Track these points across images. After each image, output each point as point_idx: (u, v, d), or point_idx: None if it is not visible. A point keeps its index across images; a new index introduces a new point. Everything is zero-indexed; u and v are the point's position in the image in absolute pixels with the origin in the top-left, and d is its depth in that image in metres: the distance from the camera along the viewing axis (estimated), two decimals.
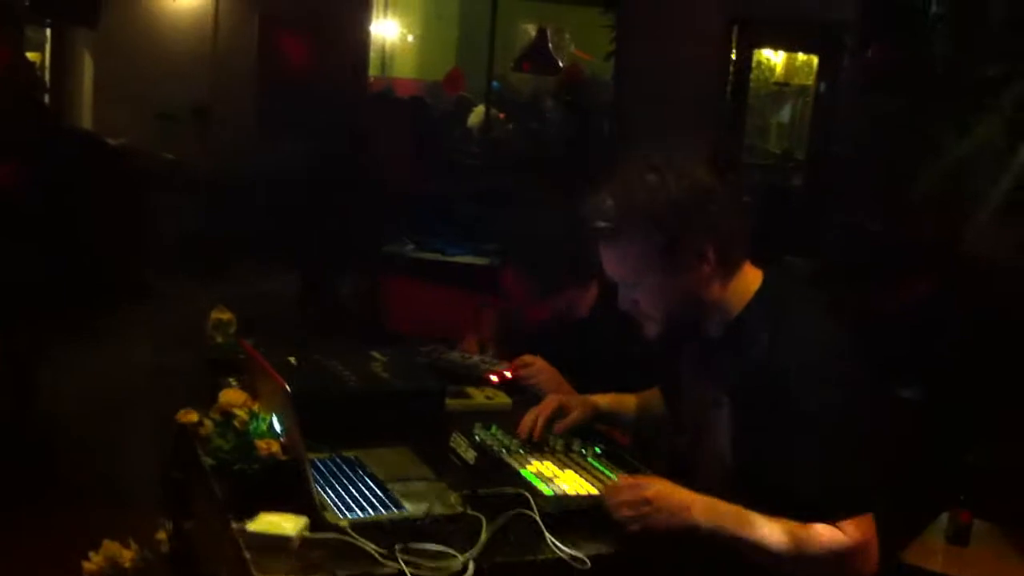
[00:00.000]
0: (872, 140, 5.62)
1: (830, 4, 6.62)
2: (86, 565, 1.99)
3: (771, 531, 1.71)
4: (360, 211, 5.58)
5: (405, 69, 9.28)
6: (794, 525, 1.71)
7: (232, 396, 1.83)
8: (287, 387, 1.69)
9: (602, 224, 1.80)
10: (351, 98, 6.51)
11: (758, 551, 1.71)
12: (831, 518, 1.71)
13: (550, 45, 7.97)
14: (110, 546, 1.96)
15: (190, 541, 2.05)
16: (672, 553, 1.75)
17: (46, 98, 6.49)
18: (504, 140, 7.48)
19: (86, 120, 6.75)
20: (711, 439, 1.87)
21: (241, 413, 1.77)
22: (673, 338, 1.92)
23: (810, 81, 7.79)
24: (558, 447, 2.06)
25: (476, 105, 8.17)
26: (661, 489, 1.75)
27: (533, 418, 2.11)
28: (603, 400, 2.25)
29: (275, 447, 1.73)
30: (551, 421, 2.12)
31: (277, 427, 1.82)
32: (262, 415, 1.82)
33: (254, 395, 1.90)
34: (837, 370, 1.74)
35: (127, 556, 1.91)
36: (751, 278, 1.85)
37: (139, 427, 2.53)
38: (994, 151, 3.28)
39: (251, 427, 1.78)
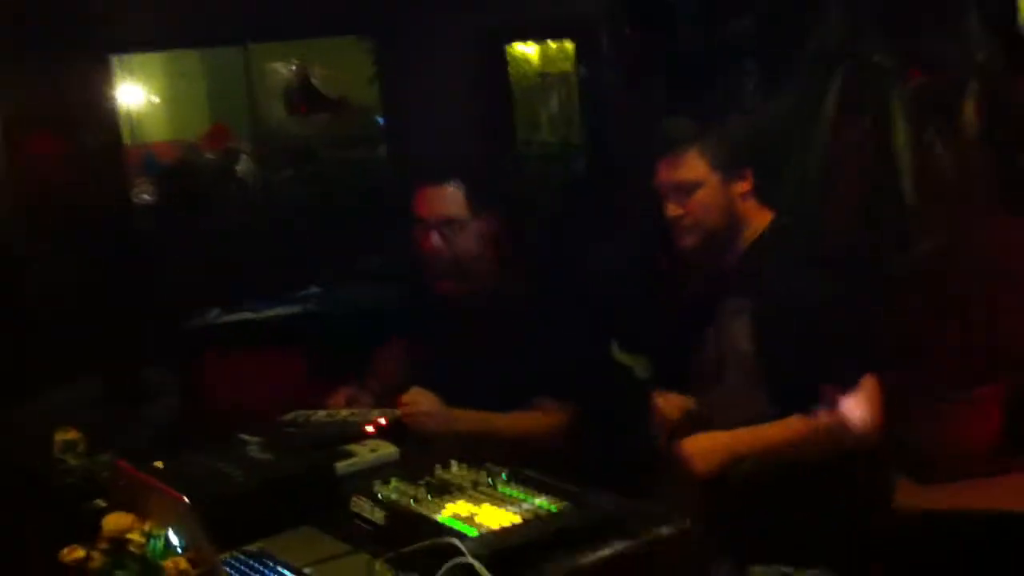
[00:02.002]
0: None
1: None
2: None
3: (791, 427, 2.21)
4: (146, 291, 5.29)
5: (158, 132, 8.87)
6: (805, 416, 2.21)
7: (119, 520, 1.67)
8: (184, 498, 1.56)
9: (681, 134, 2.34)
10: (112, 178, 6.14)
11: (788, 448, 2.20)
12: (844, 380, 2.20)
13: (314, 81, 7.81)
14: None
15: None
16: None
17: None
18: (281, 186, 7.28)
19: None
20: (732, 342, 2.32)
21: (136, 537, 1.61)
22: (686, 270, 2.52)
23: (569, 68, 7.96)
24: (465, 484, 2.00)
25: (243, 155, 7.91)
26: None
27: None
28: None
29: (183, 564, 1.59)
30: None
31: (175, 542, 1.68)
32: (155, 533, 1.67)
33: (138, 514, 1.74)
34: (831, 277, 2.27)
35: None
36: (764, 214, 2.39)
37: None
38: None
39: (149, 549, 1.63)
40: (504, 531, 1.79)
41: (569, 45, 8.06)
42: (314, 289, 5.54)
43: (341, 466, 2.15)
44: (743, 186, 2.35)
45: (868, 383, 2.22)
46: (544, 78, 8.36)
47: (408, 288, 3.12)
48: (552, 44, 8.44)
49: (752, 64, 4.77)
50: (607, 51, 7.09)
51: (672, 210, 2.35)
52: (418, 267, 2.75)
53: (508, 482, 1.98)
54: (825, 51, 3.48)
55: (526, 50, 8.33)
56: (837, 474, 2.26)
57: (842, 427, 2.20)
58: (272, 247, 6.09)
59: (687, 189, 2.32)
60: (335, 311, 5.32)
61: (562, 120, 8.32)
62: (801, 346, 2.19)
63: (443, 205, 2.58)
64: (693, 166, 2.32)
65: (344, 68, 8.30)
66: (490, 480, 2.00)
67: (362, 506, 1.97)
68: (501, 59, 7.62)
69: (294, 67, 7.99)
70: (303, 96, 7.63)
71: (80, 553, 1.72)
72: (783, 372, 2.23)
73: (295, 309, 5.34)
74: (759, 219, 2.38)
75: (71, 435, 2.17)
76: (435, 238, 2.59)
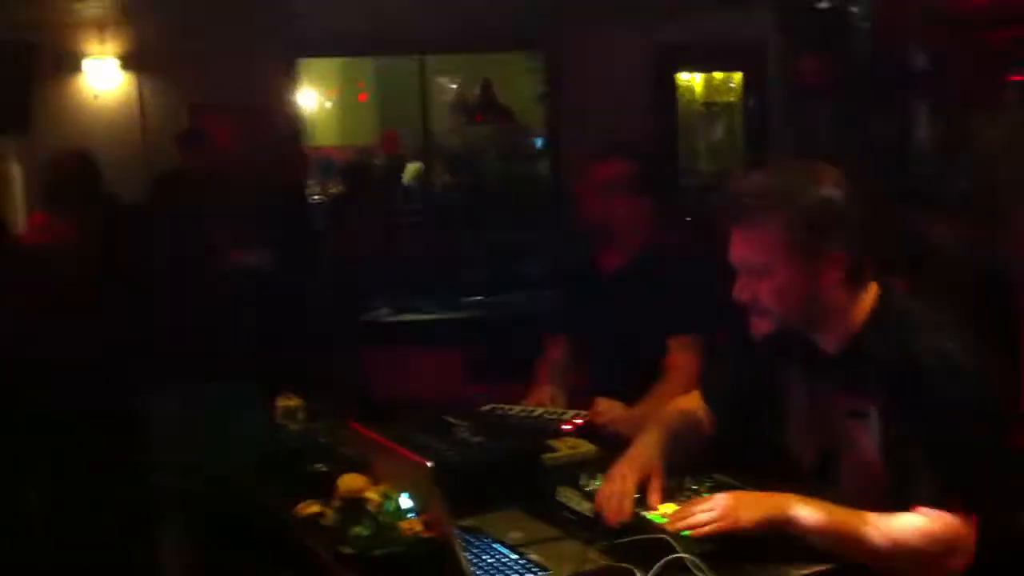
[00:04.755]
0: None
1: (746, 21, 6.79)
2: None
3: (866, 521, 1.74)
4: (329, 284, 5.45)
5: (328, 137, 9.21)
6: (891, 516, 1.73)
7: (353, 481, 1.77)
8: (427, 463, 1.64)
9: (750, 204, 1.83)
10: (299, 177, 6.40)
11: (854, 542, 1.73)
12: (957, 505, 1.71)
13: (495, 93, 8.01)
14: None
15: None
16: None
17: None
18: (446, 195, 7.47)
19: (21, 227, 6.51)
20: (854, 452, 1.88)
21: (375, 496, 1.70)
22: (780, 347, 1.95)
23: (734, 98, 7.94)
24: (675, 487, 2.03)
25: (409, 163, 8.16)
26: (727, 496, 1.82)
27: (616, 503, 1.91)
28: (667, 427, 2.15)
29: (418, 526, 1.67)
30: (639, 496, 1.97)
31: (406, 505, 1.77)
32: (390, 495, 1.76)
33: (369, 476, 1.84)
34: (976, 370, 1.75)
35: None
36: (871, 292, 1.88)
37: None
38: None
39: (384, 510, 1.71)
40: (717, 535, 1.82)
41: (736, 75, 8.08)
42: (477, 297, 5.67)
43: (544, 458, 2.21)
44: (833, 275, 1.82)
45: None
46: (709, 108, 8.37)
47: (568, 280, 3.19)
48: (718, 75, 8.46)
49: (934, 94, 4.67)
50: (776, 81, 7.10)
51: (738, 291, 1.88)
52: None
53: (714, 489, 2.01)
54: None
55: (692, 79, 8.36)
56: None
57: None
58: (436, 251, 6.26)
59: (754, 270, 1.85)
60: (495, 317, 5.44)
61: (723, 151, 8.31)
62: (941, 454, 1.73)
63: None
64: (760, 244, 1.82)
65: (509, 84, 8.50)
66: (694, 487, 2.03)
67: (569, 497, 2.02)
68: (670, 85, 7.67)
69: (483, 80, 8.16)
70: (482, 106, 7.80)
71: (315, 508, 1.82)
72: (918, 484, 1.75)
73: (458, 313, 5.46)
74: (864, 297, 1.86)
75: (293, 402, 2.29)
76: None
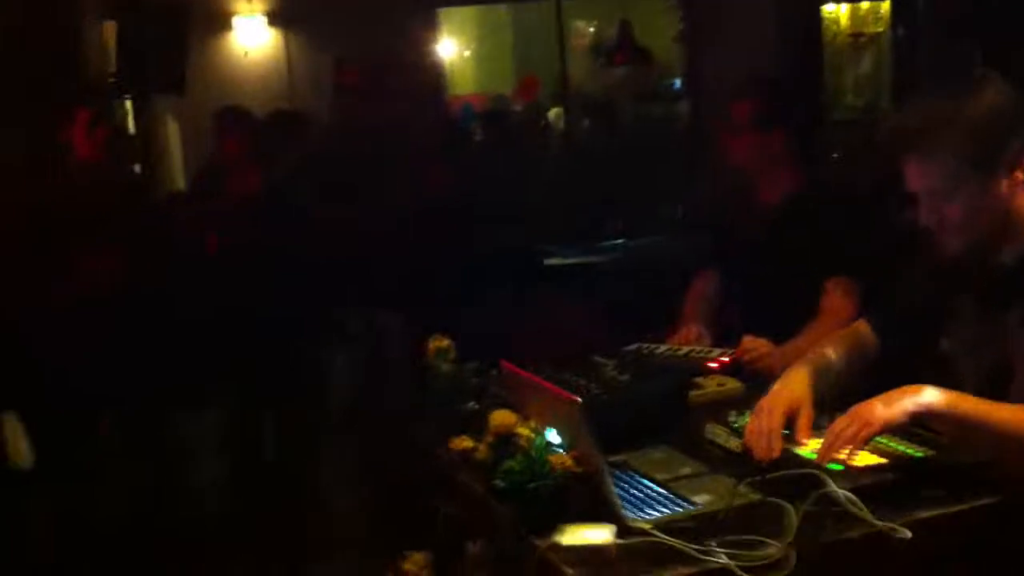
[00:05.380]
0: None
1: None
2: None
3: (1010, 411, 1.74)
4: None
5: (467, 85, 9.29)
6: None
7: (505, 417, 1.82)
8: (578, 399, 1.68)
9: (919, 133, 1.86)
10: (442, 123, 6.49)
11: (993, 431, 1.74)
12: None
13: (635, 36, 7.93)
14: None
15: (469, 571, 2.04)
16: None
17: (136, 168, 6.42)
18: (585, 138, 7.46)
19: (181, 184, 6.81)
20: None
21: (526, 432, 1.75)
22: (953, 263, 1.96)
23: (882, 28, 7.65)
24: (823, 423, 2.02)
25: (548, 110, 8.16)
26: (858, 405, 1.80)
27: (765, 439, 1.91)
28: (816, 361, 2.11)
29: (568, 462, 1.72)
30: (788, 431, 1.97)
31: (555, 440, 1.82)
32: (539, 431, 1.81)
33: (520, 413, 1.89)
34: None
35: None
36: None
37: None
38: None
39: (535, 445, 1.76)
40: (867, 469, 1.81)
41: (884, 5, 7.76)
42: (620, 241, 5.68)
43: (691, 395, 2.23)
44: (1017, 176, 1.86)
45: None
46: (856, 39, 8.07)
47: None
48: (864, 5, 8.14)
49: None
50: (923, 10, 6.79)
51: (925, 218, 1.92)
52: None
53: None
54: None
55: (837, 10, 8.07)
56: None
57: None
58: (577, 196, 6.26)
59: (937, 195, 1.88)
60: (635, 260, 5.44)
61: (871, 83, 8.02)
62: None
63: None
64: (938, 169, 1.85)
65: (646, 25, 8.39)
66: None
67: (718, 433, 2.04)
68: (813, 18, 7.43)
69: (621, 21, 8.10)
70: (621, 48, 7.73)
71: (468, 444, 1.88)
72: None
73: (599, 257, 5.48)
74: None
75: (443, 343, 2.35)
76: None
